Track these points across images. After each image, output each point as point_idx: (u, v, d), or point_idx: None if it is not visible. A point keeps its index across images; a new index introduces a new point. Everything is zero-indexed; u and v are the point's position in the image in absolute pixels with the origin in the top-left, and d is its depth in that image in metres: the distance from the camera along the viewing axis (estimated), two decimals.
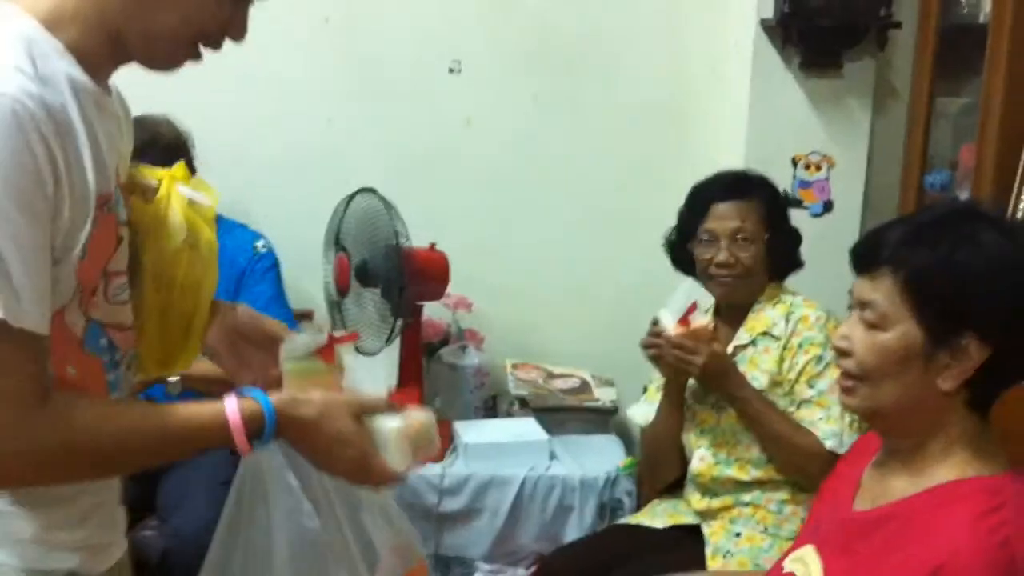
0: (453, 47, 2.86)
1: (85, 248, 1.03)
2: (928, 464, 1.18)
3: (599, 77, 2.90)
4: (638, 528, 2.16)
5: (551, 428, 2.60)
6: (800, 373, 2.04)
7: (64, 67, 1.02)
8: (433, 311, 2.72)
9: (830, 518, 1.30)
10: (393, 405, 1.22)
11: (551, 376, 2.82)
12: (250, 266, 2.46)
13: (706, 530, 2.10)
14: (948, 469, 1.17)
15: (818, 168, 2.74)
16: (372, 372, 1.32)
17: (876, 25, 2.59)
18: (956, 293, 1.13)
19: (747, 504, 2.08)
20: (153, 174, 1.28)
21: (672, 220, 2.24)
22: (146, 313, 1.23)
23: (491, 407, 2.80)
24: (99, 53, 1.07)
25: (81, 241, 1.02)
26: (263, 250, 2.50)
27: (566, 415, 2.70)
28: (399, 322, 2.33)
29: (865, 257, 1.21)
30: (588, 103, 2.91)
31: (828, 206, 2.75)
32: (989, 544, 1.07)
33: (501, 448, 2.45)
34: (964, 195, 2.27)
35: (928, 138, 2.44)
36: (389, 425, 1.18)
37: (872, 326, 1.18)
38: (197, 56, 1.12)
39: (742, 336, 2.12)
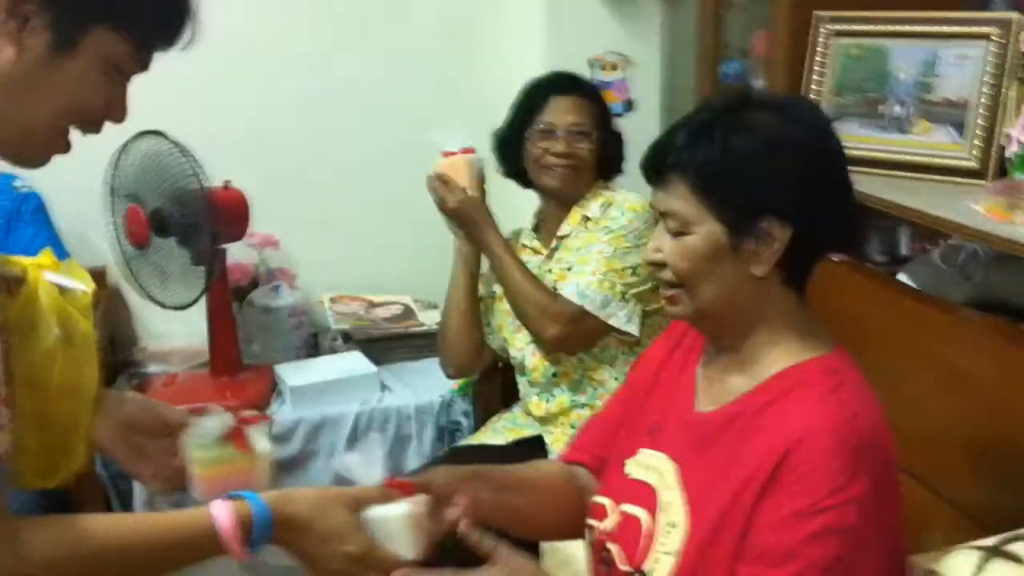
0: None
1: None
2: (760, 355, 1.19)
3: None
4: (481, 448, 2.14)
5: (378, 359, 2.53)
6: (588, 245, 2.09)
7: None
8: (238, 253, 2.56)
9: (670, 421, 1.28)
10: (388, 494, 1.14)
11: (372, 306, 2.74)
12: (15, 208, 2.28)
13: (548, 438, 2.11)
14: (781, 357, 1.18)
15: (615, 68, 2.73)
16: (367, 459, 1.25)
17: None
18: (742, 180, 1.14)
19: (584, 406, 2.09)
20: (16, 263, 1.11)
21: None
22: (21, 423, 1.08)
23: (313, 346, 2.69)
24: None
25: None
26: (24, 190, 2.32)
27: (392, 344, 2.62)
28: (208, 270, 2.16)
29: (654, 167, 1.20)
30: (378, 19, 2.78)
31: (629, 105, 2.76)
32: (840, 417, 1.09)
33: (329, 386, 2.35)
34: (759, 83, 2.31)
35: (721, 28, 2.46)
36: (397, 512, 1.12)
37: (677, 233, 1.17)
38: (67, 146, 1.01)
39: (564, 227, 2.17)
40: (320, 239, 2.81)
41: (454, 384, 2.43)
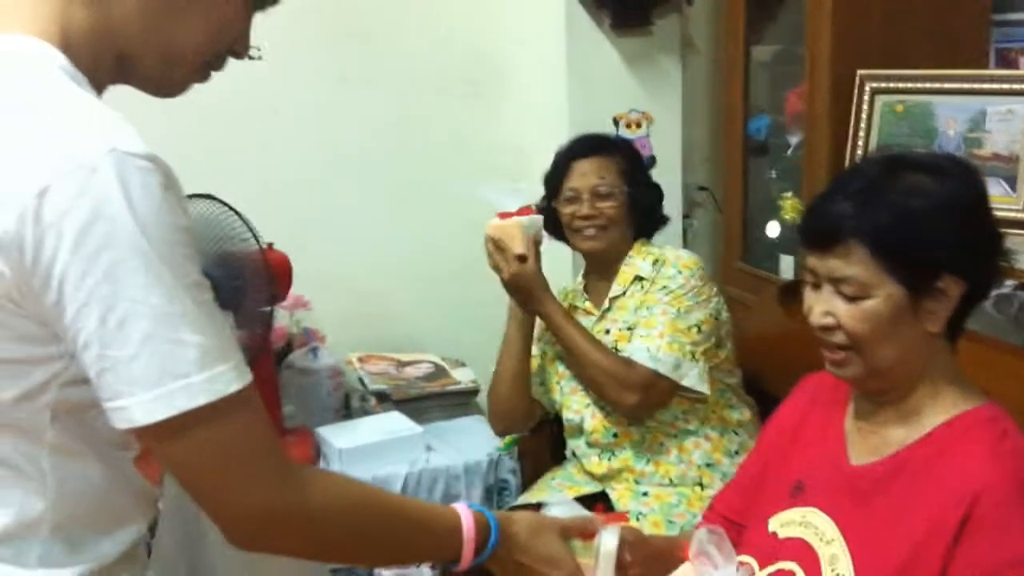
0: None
1: None
2: (922, 407, 1.22)
3: (408, 52, 2.81)
4: (542, 505, 2.13)
5: (415, 418, 2.50)
6: (648, 306, 2.10)
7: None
8: None
9: (819, 476, 1.29)
10: (595, 521, 1.23)
11: (401, 364, 2.72)
12: None
13: (612, 495, 2.10)
14: (943, 408, 1.21)
15: (638, 125, 2.79)
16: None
17: None
18: (922, 242, 1.17)
19: (648, 461, 2.10)
20: None
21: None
22: None
23: (345, 407, 2.66)
24: (104, 80, 0.94)
25: None
26: None
27: (428, 403, 2.60)
28: (261, 334, 2.14)
29: (827, 236, 1.21)
30: (399, 80, 2.81)
31: (651, 162, 2.80)
32: (1016, 467, 1.12)
33: (378, 448, 2.32)
34: (794, 140, 2.38)
35: (748, 87, 2.53)
36: (610, 545, 1.18)
37: (854, 298, 1.19)
38: (206, 76, 1.00)
39: (615, 288, 2.17)
40: (344, 298, 2.80)
41: (500, 442, 2.42)
